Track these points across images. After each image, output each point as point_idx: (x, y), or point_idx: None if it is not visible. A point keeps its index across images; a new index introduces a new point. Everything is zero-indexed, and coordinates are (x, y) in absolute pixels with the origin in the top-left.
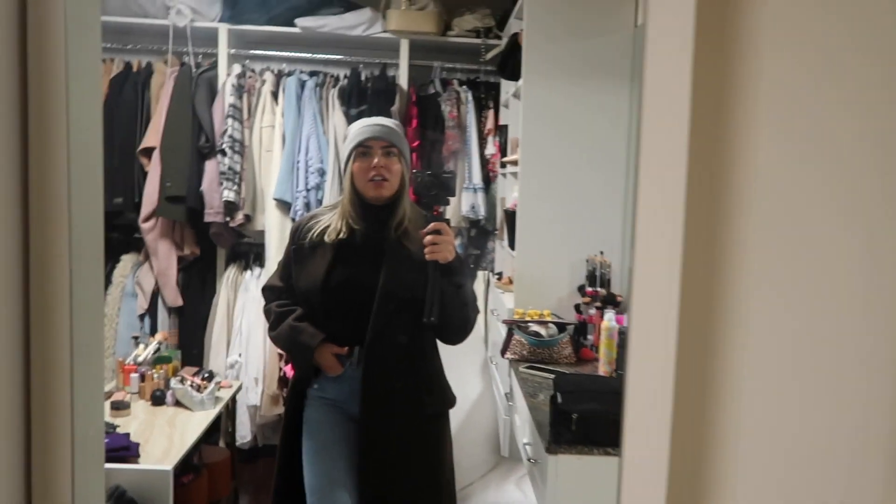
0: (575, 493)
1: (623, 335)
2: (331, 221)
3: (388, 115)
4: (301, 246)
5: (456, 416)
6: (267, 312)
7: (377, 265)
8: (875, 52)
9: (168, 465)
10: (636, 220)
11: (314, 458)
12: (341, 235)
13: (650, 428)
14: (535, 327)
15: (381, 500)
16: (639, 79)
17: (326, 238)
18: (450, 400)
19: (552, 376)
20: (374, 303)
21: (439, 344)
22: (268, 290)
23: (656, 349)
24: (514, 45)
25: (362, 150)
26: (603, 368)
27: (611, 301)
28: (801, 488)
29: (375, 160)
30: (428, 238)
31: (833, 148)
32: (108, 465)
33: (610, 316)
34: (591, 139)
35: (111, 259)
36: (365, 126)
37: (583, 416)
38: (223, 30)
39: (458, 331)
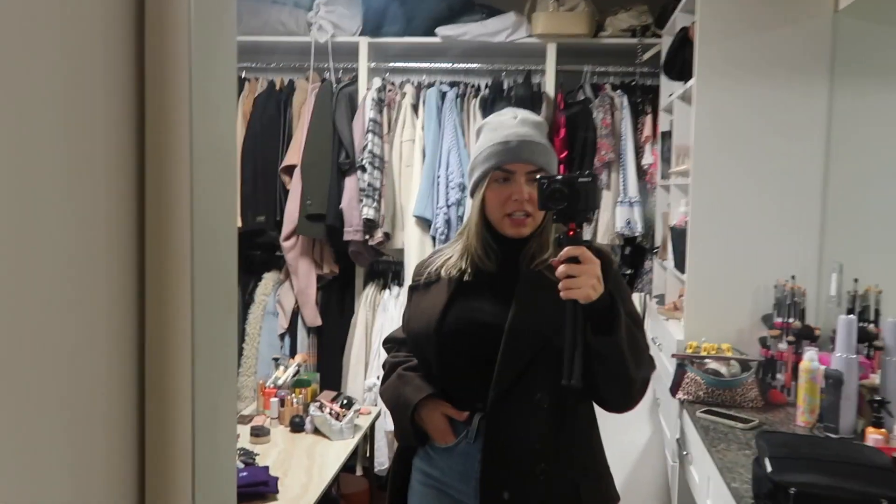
0: None
1: (830, 380)
2: (452, 254)
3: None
4: (417, 285)
5: (623, 464)
6: (384, 366)
7: (507, 301)
8: None
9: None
10: None
11: None
12: (466, 277)
13: None
14: (713, 364)
15: None
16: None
17: (443, 272)
18: (612, 496)
19: (740, 424)
20: (499, 353)
21: (598, 410)
22: (388, 342)
23: None
24: (684, 41)
25: (504, 174)
26: (803, 418)
27: (807, 335)
28: None
29: (521, 189)
30: (561, 269)
31: None
32: None
33: (812, 355)
34: (779, 145)
35: (254, 277)
36: (508, 141)
37: (803, 491)
38: (363, 43)
39: (618, 395)
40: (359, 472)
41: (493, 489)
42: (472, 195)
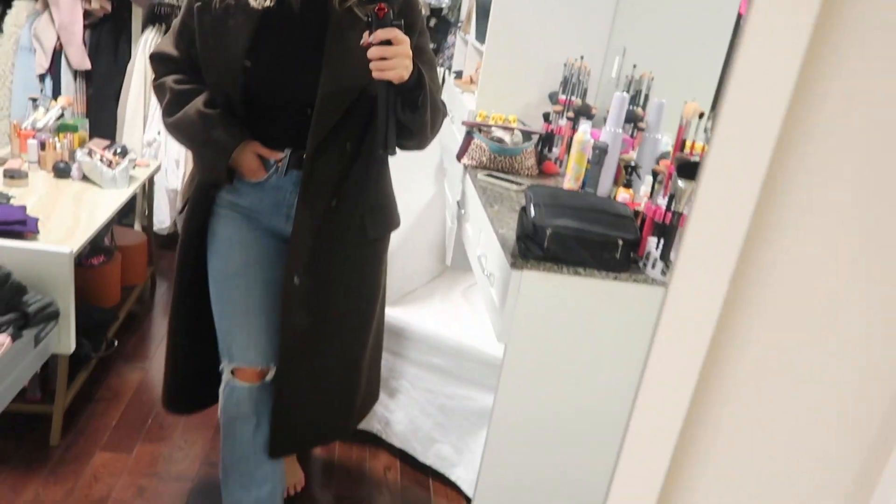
0: (536, 311)
1: (597, 150)
2: None
3: None
4: (208, 5)
5: (404, 219)
6: (159, 88)
7: (318, 46)
8: None
9: (70, 246)
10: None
11: (225, 285)
12: (269, 3)
13: (708, 263)
14: (498, 133)
15: (306, 331)
16: None
17: (251, 1)
18: (395, 223)
19: (514, 187)
20: (317, 100)
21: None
22: (158, 59)
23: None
24: None
25: None
26: (569, 185)
27: (584, 112)
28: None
29: None
30: (373, 51)
31: None
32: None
33: (585, 128)
34: None
35: (1, 5)
36: None
37: (557, 231)
38: None
39: (415, 147)
40: (137, 228)
41: (304, 216)
42: None
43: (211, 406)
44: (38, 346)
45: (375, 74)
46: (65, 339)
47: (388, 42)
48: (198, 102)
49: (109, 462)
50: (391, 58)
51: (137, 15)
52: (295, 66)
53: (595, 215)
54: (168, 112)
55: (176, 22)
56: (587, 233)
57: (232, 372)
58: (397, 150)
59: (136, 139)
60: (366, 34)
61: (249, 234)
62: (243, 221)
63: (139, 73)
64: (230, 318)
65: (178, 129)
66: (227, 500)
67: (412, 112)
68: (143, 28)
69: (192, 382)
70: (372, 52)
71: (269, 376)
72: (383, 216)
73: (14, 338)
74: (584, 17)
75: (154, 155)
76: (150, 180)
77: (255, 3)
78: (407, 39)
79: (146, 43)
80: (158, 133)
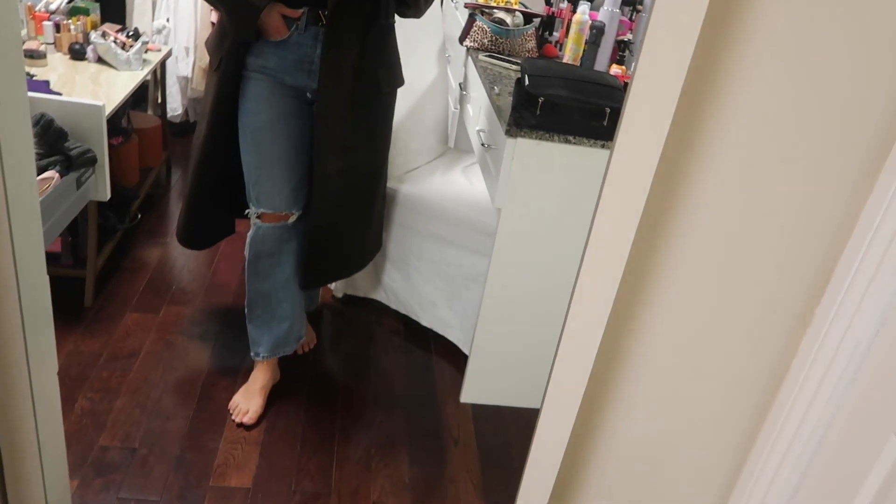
0: (528, 177)
1: (594, 30)
2: None
3: None
4: None
5: (407, 99)
6: None
7: None
8: None
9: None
10: None
11: (255, 137)
12: None
13: (646, 123)
14: (500, 14)
15: (324, 178)
16: None
17: None
18: (400, 80)
19: (514, 67)
20: None
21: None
22: None
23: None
24: None
25: None
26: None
27: None
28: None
29: None
30: None
31: None
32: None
33: (583, 9)
34: None
35: None
36: None
37: (549, 100)
38: None
39: (414, 12)
40: (150, 113)
41: (326, 72)
42: None
43: (216, 243)
44: (80, 189)
45: None
46: (101, 187)
47: None
48: None
49: (139, 321)
50: None
51: None
52: None
53: (587, 86)
54: None
55: None
56: (576, 101)
57: (258, 216)
58: (397, 17)
59: (145, 25)
60: None
61: (275, 91)
62: (270, 82)
63: None
64: (258, 168)
65: None
66: (251, 337)
67: None
68: None
69: (206, 221)
70: None
71: (291, 220)
72: (394, 72)
73: (61, 174)
74: None
75: (164, 41)
76: (163, 67)
77: None
78: None
79: None
80: (167, 20)
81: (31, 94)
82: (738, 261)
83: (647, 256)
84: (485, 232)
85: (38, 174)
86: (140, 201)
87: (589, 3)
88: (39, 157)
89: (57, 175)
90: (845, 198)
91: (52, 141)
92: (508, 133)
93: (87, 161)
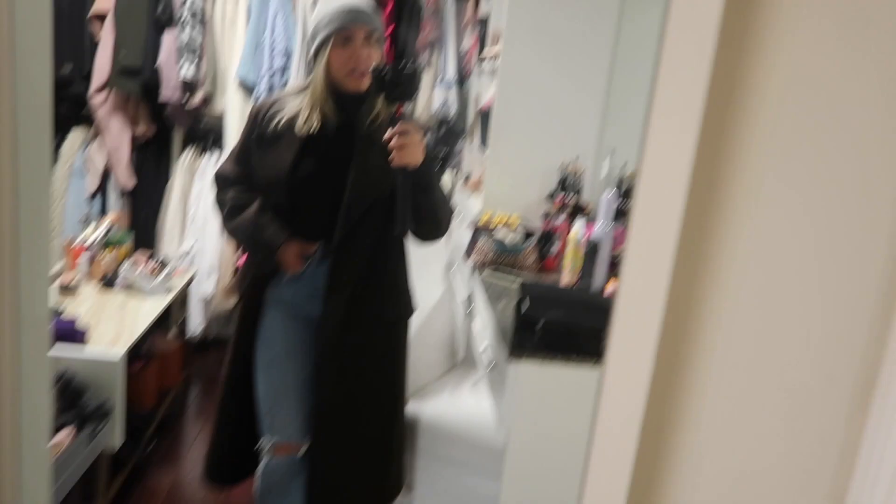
0: (533, 399)
1: (592, 245)
2: (299, 110)
3: None
4: (264, 132)
5: (415, 317)
6: (221, 202)
7: (346, 160)
8: None
9: (118, 350)
10: (647, 128)
11: (269, 369)
12: (313, 129)
13: (635, 343)
14: (501, 232)
15: (336, 407)
16: None
17: (296, 129)
18: (412, 308)
19: (516, 283)
20: (344, 201)
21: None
22: (221, 178)
23: (652, 266)
24: None
25: (344, 36)
26: (566, 279)
27: (579, 211)
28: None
29: (359, 50)
30: (394, 142)
31: None
32: (55, 352)
33: (578, 227)
34: (575, 40)
35: (59, 132)
36: (345, 9)
37: (548, 324)
38: None
39: (431, 232)
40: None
41: (333, 303)
42: (315, 57)
43: (242, 482)
44: (93, 441)
45: (395, 162)
46: (116, 434)
47: (405, 133)
48: (251, 210)
49: None
50: (406, 146)
51: (178, 136)
52: (328, 176)
53: (585, 309)
54: (228, 219)
55: (235, 146)
56: (576, 326)
57: (270, 447)
58: (416, 237)
59: (173, 250)
60: (389, 129)
61: (290, 324)
62: (286, 314)
63: (178, 188)
64: (271, 398)
65: (237, 233)
66: None
67: (423, 193)
68: (183, 148)
69: (232, 457)
70: (393, 143)
71: (301, 452)
72: (402, 296)
73: (78, 431)
74: (576, 122)
75: (190, 262)
76: (186, 288)
77: (297, 130)
78: (420, 132)
79: (184, 161)
80: (194, 244)
81: (53, 348)
82: None
83: (651, 479)
84: (497, 452)
85: (54, 433)
86: (157, 423)
87: (584, 220)
88: (55, 413)
89: (73, 432)
90: None
91: (71, 398)
92: (511, 355)
93: (102, 414)
